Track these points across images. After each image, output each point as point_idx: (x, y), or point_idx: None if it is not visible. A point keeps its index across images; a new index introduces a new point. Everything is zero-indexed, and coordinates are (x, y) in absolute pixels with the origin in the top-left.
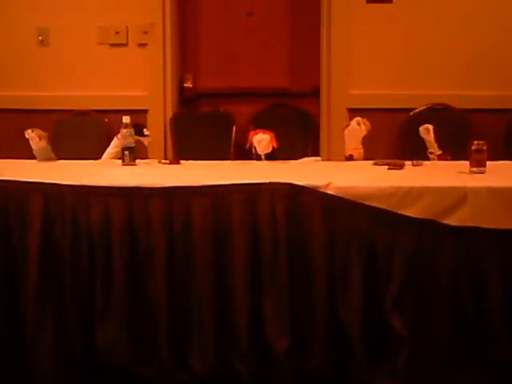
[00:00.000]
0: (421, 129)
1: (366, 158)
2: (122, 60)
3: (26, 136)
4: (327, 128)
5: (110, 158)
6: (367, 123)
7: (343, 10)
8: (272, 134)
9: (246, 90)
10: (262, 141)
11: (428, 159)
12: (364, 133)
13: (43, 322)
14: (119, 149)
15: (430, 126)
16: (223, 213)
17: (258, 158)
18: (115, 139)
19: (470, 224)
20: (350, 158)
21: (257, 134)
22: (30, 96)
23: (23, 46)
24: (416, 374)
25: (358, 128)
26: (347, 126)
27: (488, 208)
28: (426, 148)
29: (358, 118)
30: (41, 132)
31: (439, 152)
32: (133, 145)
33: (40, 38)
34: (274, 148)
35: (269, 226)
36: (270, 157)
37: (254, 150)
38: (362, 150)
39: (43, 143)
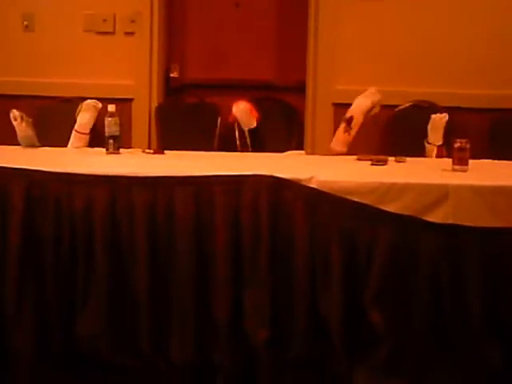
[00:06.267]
0: (434, 116)
1: (348, 154)
2: (108, 48)
3: (11, 116)
4: (312, 122)
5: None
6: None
7: (331, 5)
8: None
9: (231, 82)
10: (243, 111)
11: (422, 149)
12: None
13: (23, 310)
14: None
15: (445, 116)
16: (206, 204)
17: (244, 148)
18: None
19: (451, 221)
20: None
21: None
22: (14, 81)
23: (7, 30)
24: (394, 369)
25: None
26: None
27: (469, 206)
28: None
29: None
30: (25, 116)
31: (440, 143)
32: (117, 133)
33: (25, 23)
34: (257, 124)
35: (251, 217)
36: (255, 134)
37: (237, 127)
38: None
39: (28, 130)
